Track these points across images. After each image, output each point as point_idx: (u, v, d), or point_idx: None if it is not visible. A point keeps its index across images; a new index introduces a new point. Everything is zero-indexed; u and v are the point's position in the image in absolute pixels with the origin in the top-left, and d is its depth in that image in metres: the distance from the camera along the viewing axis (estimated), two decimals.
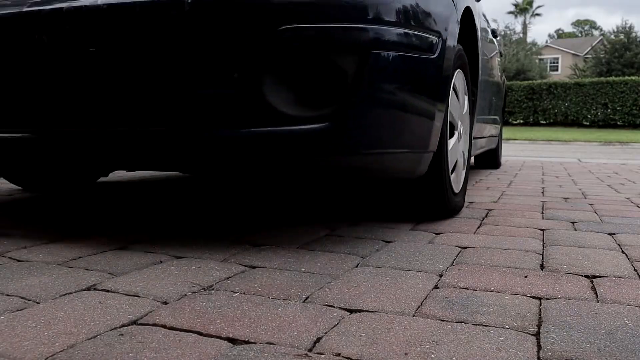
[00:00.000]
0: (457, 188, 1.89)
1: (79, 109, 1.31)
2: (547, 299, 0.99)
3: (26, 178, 2.31)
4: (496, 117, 3.81)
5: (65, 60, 1.29)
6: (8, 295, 0.96)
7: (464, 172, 2.03)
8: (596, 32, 61.62)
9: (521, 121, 19.32)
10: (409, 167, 1.49)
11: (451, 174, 1.80)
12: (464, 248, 1.39)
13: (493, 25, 3.71)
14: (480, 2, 2.26)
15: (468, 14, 1.85)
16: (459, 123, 1.91)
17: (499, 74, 3.94)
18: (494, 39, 3.33)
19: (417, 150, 1.47)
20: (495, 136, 3.94)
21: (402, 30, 1.30)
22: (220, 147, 1.22)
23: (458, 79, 1.81)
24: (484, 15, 2.33)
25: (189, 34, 1.18)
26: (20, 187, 2.49)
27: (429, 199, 1.73)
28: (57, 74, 1.30)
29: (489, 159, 4.20)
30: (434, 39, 1.45)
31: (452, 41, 1.56)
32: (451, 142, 1.78)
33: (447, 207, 1.78)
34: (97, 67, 1.26)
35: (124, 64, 1.24)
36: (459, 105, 1.87)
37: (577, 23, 68.48)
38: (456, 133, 1.87)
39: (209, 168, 1.32)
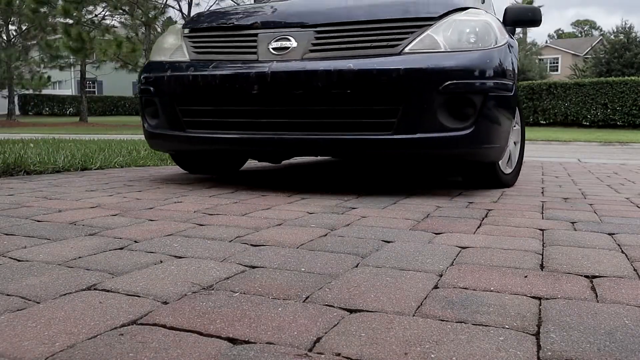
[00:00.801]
0: (507, 171, 2.83)
1: (330, 124, 2.31)
2: (547, 299, 0.99)
3: (194, 165, 3.15)
4: None
5: (322, 96, 2.26)
6: (8, 295, 0.96)
7: (514, 161, 2.94)
8: (596, 32, 61.63)
9: None
10: (498, 155, 2.48)
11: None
12: (464, 248, 1.39)
13: None
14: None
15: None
16: None
17: None
18: None
19: (503, 146, 2.47)
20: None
21: (501, 81, 2.32)
22: (417, 143, 2.24)
23: None
24: None
25: (401, 86, 2.18)
26: (186, 171, 3.33)
27: (487, 176, 2.69)
28: (319, 104, 2.29)
29: None
30: (511, 83, 2.43)
31: (516, 83, 2.53)
32: None
33: (499, 182, 2.73)
34: (339, 102, 2.26)
35: (359, 100, 2.24)
36: None
37: (577, 23, 68.48)
38: None
39: (408, 155, 2.33)
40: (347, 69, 2.21)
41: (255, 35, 2.46)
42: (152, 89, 2.61)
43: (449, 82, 2.17)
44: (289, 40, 2.37)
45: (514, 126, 2.82)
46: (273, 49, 2.38)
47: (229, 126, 2.46)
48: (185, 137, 2.55)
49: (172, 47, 2.69)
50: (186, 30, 2.71)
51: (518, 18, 2.99)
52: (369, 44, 2.30)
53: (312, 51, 2.34)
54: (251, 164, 4.28)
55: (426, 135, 2.22)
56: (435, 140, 2.23)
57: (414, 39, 2.27)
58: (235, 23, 2.57)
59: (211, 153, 2.75)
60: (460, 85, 2.19)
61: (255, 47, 2.43)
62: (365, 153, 2.32)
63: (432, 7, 2.37)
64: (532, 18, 2.93)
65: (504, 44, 2.41)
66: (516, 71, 2.55)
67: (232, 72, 2.38)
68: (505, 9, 3.01)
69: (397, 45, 2.27)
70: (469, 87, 2.21)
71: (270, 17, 2.57)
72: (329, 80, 2.22)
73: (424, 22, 2.32)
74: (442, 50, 2.25)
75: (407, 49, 2.25)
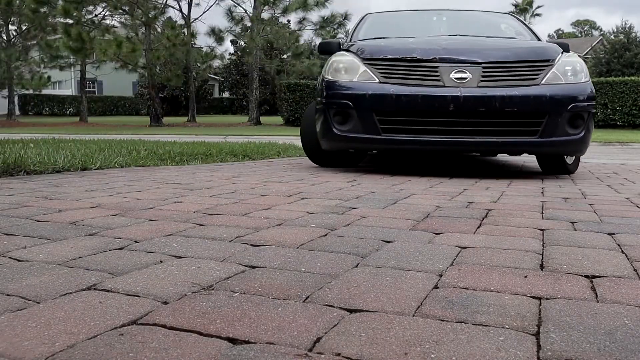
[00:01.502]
0: (569, 161, 3.91)
1: (498, 131, 3.35)
2: (547, 299, 0.99)
3: (327, 160, 4.12)
4: None
5: (497, 112, 3.30)
6: (8, 295, 0.96)
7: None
8: (596, 33, 61.63)
9: None
10: (586, 151, 3.58)
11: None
12: (464, 248, 1.39)
13: None
14: None
15: None
16: None
17: None
18: None
19: (589, 145, 3.58)
20: None
21: (593, 103, 3.44)
22: (552, 143, 3.34)
23: None
24: None
25: (546, 106, 3.28)
26: (316, 165, 4.20)
27: (560, 165, 3.88)
28: (493, 117, 3.32)
29: None
30: (595, 103, 3.50)
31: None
32: None
33: (567, 169, 3.89)
34: (506, 116, 3.32)
35: (519, 115, 3.32)
36: None
37: (577, 23, 68.50)
38: None
39: (545, 152, 3.59)
40: (514, 95, 3.28)
41: (437, 67, 3.39)
42: (350, 102, 3.46)
43: (573, 104, 3.33)
44: (465, 72, 3.35)
45: None
46: (455, 78, 3.34)
47: (421, 132, 3.39)
48: (381, 139, 3.44)
49: (355, 70, 3.54)
50: (362, 58, 3.60)
51: None
52: (519, 77, 3.39)
53: (482, 81, 3.34)
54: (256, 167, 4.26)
55: (558, 138, 3.34)
56: (563, 142, 3.37)
57: (545, 74, 3.39)
58: (418, 57, 3.46)
59: (380, 152, 4.61)
60: (580, 106, 3.35)
61: (438, 76, 3.37)
62: (518, 150, 3.54)
63: (551, 52, 3.57)
64: (565, 50, 3.81)
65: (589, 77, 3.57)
66: None
67: (431, 93, 3.32)
68: None
69: (536, 78, 3.38)
70: (584, 108, 3.36)
71: (443, 54, 3.46)
72: (503, 102, 3.26)
73: (549, 62, 3.46)
74: (562, 82, 3.40)
75: (543, 81, 3.37)
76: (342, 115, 3.50)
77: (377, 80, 3.45)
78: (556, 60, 3.45)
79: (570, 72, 3.44)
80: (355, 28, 4.66)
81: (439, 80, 3.34)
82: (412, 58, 3.47)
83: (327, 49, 4.13)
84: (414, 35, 4.16)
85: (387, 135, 3.39)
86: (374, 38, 4.14)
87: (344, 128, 3.50)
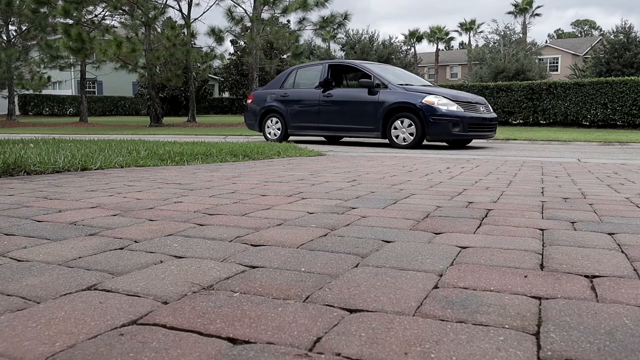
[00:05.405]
0: None
1: None
2: (547, 298, 0.99)
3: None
4: None
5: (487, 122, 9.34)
6: (8, 295, 0.96)
7: None
8: (596, 32, 61.72)
9: (521, 121, 19.29)
10: None
11: None
12: (464, 248, 1.39)
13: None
14: None
15: None
16: None
17: None
18: None
19: None
20: None
21: None
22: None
23: None
24: None
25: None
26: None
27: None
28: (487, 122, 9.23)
29: None
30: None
31: None
32: None
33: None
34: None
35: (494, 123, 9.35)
36: None
37: (577, 23, 68.60)
38: None
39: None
40: (494, 117, 8.80)
41: (477, 105, 8.38)
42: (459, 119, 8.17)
43: None
44: (480, 108, 8.44)
45: None
46: (482, 110, 8.46)
47: (480, 130, 8.69)
48: (468, 134, 8.29)
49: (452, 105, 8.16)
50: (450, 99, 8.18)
51: None
52: (488, 109, 8.99)
53: (486, 111, 8.73)
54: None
55: None
56: None
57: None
58: (472, 101, 8.34)
59: None
60: None
61: (479, 109, 8.37)
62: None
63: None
64: None
65: None
66: None
67: (480, 115, 8.25)
68: None
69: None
70: None
71: (467, 99, 8.33)
72: (495, 119, 8.74)
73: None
74: None
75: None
76: (455, 123, 7.82)
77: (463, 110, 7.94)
78: None
79: None
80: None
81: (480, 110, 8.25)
82: (468, 101, 8.11)
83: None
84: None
85: (470, 132, 7.94)
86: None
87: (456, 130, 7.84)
